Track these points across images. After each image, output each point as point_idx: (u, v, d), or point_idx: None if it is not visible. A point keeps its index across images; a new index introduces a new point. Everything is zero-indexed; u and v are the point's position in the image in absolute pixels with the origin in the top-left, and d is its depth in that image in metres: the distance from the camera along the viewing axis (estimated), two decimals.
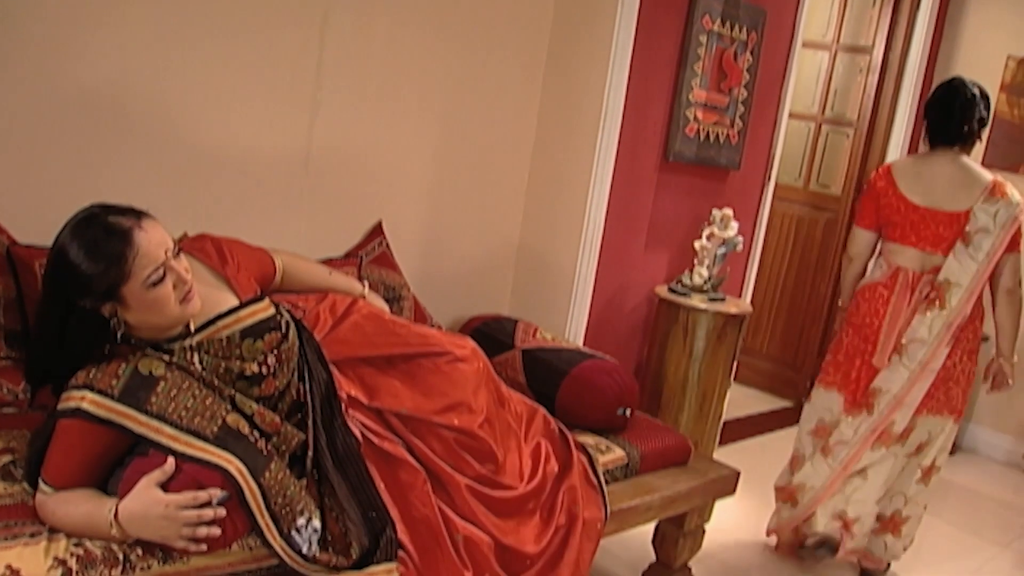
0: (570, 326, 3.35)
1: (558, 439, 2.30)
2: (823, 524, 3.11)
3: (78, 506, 1.57)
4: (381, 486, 1.85)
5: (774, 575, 3.21)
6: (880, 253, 3.11)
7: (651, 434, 2.60)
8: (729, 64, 3.55)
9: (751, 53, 3.64)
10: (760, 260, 4.20)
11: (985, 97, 2.97)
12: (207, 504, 1.57)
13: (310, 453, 1.81)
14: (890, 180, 2.99)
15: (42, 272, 1.80)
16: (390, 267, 2.90)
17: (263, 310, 1.85)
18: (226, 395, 1.72)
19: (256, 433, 1.71)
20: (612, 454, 2.43)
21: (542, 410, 2.35)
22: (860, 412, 2.99)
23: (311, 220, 2.80)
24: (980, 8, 4.81)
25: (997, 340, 3.00)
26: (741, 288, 4.08)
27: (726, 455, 3.90)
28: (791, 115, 4.37)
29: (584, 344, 3.34)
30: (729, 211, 3.48)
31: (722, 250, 3.46)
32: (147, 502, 1.54)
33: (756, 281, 4.24)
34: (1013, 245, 2.86)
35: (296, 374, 1.89)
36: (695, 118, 3.49)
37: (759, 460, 4.22)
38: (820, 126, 5.14)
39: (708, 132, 3.56)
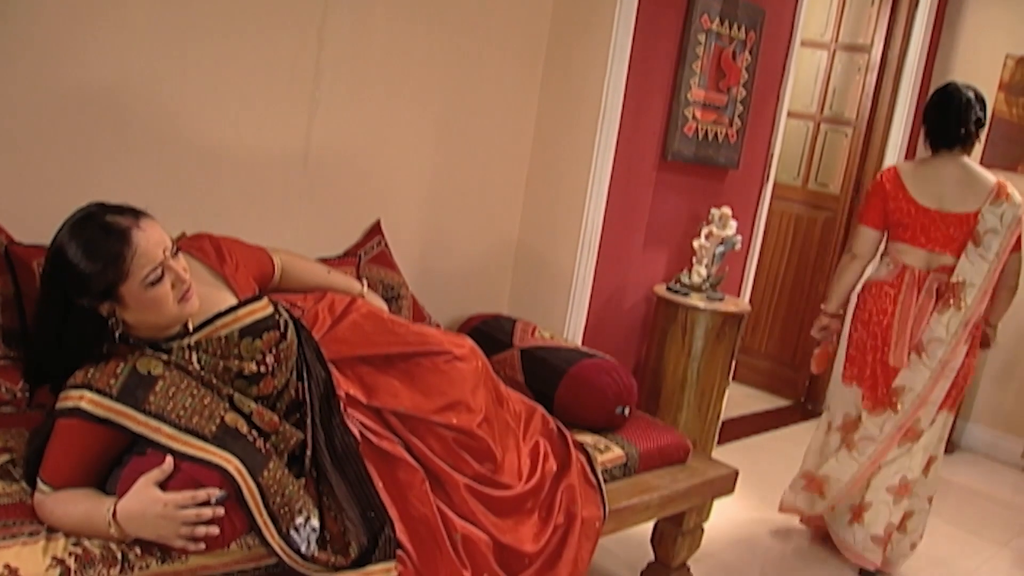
0: (569, 325, 3.35)
1: (557, 438, 2.30)
2: (842, 527, 3.23)
3: (76, 505, 1.57)
4: (380, 485, 1.85)
5: (773, 574, 3.21)
6: (885, 252, 3.19)
7: (650, 433, 2.60)
8: (728, 63, 3.55)
9: (750, 52, 3.64)
10: (759, 259, 4.20)
11: (980, 99, 3.08)
12: (205, 503, 1.57)
13: (308, 452, 1.81)
14: (899, 183, 3.09)
15: (40, 271, 1.80)
16: (389, 266, 2.90)
17: (261, 309, 1.85)
18: (224, 394, 1.72)
19: (254, 432, 1.71)
20: (611, 453, 2.43)
21: (541, 409, 2.35)
22: (884, 411, 3.09)
23: (310, 219, 2.80)
24: (979, 7, 4.81)
25: (987, 315, 3.10)
26: (740, 287, 4.08)
27: (725, 454, 3.90)
28: (790, 114, 4.37)
29: (583, 343, 3.34)
30: (728, 210, 3.48)
31: (720, 249, 3.46)
32: (145, 501, 1.54)
33: (755, 280, 4.24)
34: (1016, 245, 3.00)
35: (295, 373, 1.88)
36: (694, 117, 3.49)
37: (758, 459, 4.23)
38: (819, 125, 5.14)
39: (707, 131, 3.56)
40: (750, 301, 4.14)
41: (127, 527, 1.55)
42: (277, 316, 1.88)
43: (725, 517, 3.42)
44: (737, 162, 3.77)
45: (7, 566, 1.43)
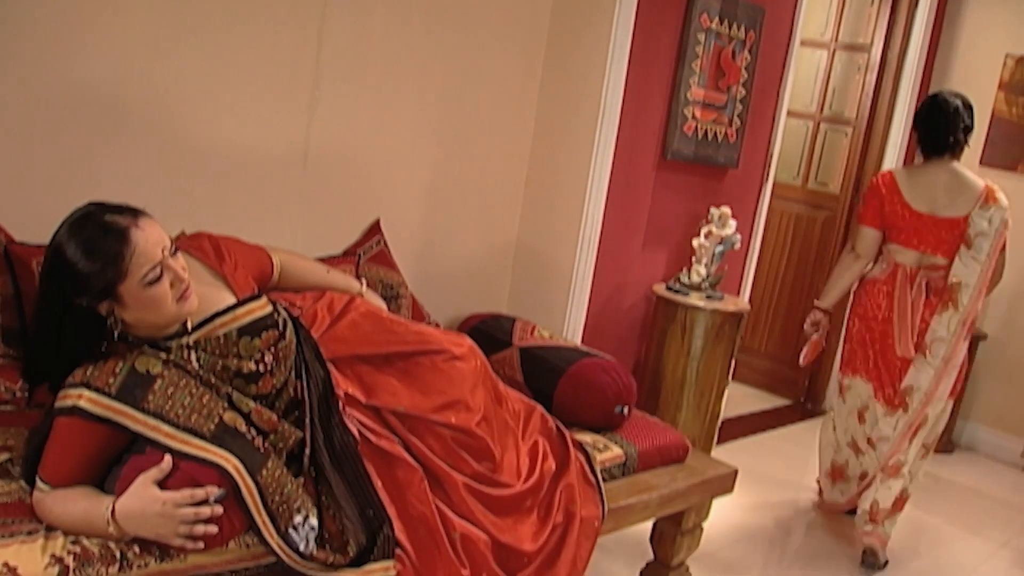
0: (568, 324, 3.35)
1: (556, 437, 2.29)
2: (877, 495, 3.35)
3: (75, 504, 1.57)
4: (378, 484, 1.85)
5: (773, 574, 3.22)
6: (879, 252, 3.37)
7: (649, 432, 2.60)
8: (727, 62, 3.55)
9: (749, 51, 3.64)
10: (759, 259, 4.21)
11: (968, 107, 3.26)
12: (204, 502, 1.57)
13: (307, 451, 1.81)
14: (894, 188, 3.27)
15: (39, 270, 1.79)
16: (388, 265, 2.90)
17: (260, 308, 1.85)
18: (223, 393, 1.72)
19: (253, 431, 1.71)
20: (610, 452, 2.43)
21: (540, 408, 2.35)
22: (896, 411, 3.27)
23: (309, 218, 2.80)
24: (979, 6, 4.81)
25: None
26: (739, 286, 4.08)
27: (725, 453, 3.91)
28: (790, 113, 4.38)
29: (582, 342, 3.34)
30: (727, 209, 3.48)
31: (720, 248, 3.46)
32: (144, 500, 1.54)
33: (755, 279, 4.24)
34: (1002, 246, 3.18)
35: (293, 372, 1.88)
36: (693, 116, 3.49)
37: (758, 458, 4.23)
38: (818, 124, 5.14)
39: (706, 130, 3.57)
40: (750, 300, 4.14)
41: (126, 526, 1.55)
42: (276, 315, 1.88)
43: (725, 516, 3.42)
44: (737, 161, 3.77)
45: (6, 564, 1.43)
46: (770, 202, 4.12)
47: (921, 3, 4.68)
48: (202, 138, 2.50)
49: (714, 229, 3.46)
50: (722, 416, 3.65)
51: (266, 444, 1.72)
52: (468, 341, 2.16)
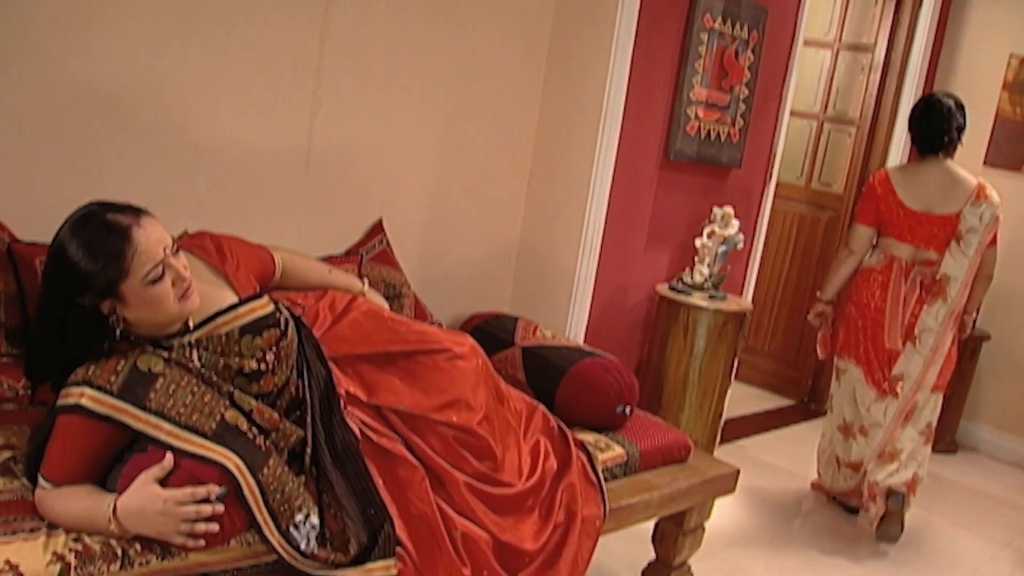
0: (571, 324, 3.35)
1: (557, 437, 2.29)
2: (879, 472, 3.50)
3: (77, 502, 1.58)
4: (379, 483, 1.85)
5: (775, 573, 3.21)
6: (875, 244, 3.51)
7: (651, 432, 2.60)
8: (730, 62, 3.55)
9: (752, 51, 3.64)
10: (762, 259, 4.21)
11: (961, 107, 3.39)
12: (205, 500, 1.57)
13: (308, 450, 1.81)
14: (888, 187, 3.41)
15: (42, 269, 1.80)
16: (391, 265, 2.91)
17: (262, 307, 1.86)
18: (225, 391, 1.73)
19: (255, 430, 1.72)
20: (611, 452, 2.43)
21: (541, 408, 2.35)
22: (886, 397, 3.44)
23: (312, 217, 2.80)
24: (983, 7, 4.80)
25: (967, 305, 3.43)
26: (742, 286, 4.08)
27: (727, 453, 3.91)
28: (793, 113, 4.37)
29: (585, 342, 3.34)
30: (730, 209, 3.48)
31: (723, 248, 3.46)
32: (145, 498, 1.54)
33: (758, 280, 4.24)
34: (993, 240, 3.34)
35: (295, 371, 1.89)
36: (696, 116, 3.49)
37: (761, 458, 4.22)
38: (822, 124, 5.14)
39: (709, 130, 3.56)
40: (753, 301, 4.14)
41: (127, 523, 1.55)
42: (277, 314, 1.88)
43: (727, 516, 3.42)
44: (740, 161, 3.77)
45: (8, 562, 1.44)
46: (774, 202, 4.12)
47: (925, 3, 4.67)
48: (205, 137, 2.50)
49: (717, 229, 3.46)
50: (725, 416, 3.65)
51: (267, 443, 1.73)
52: (469, 340, 2.16)
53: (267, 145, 2.65)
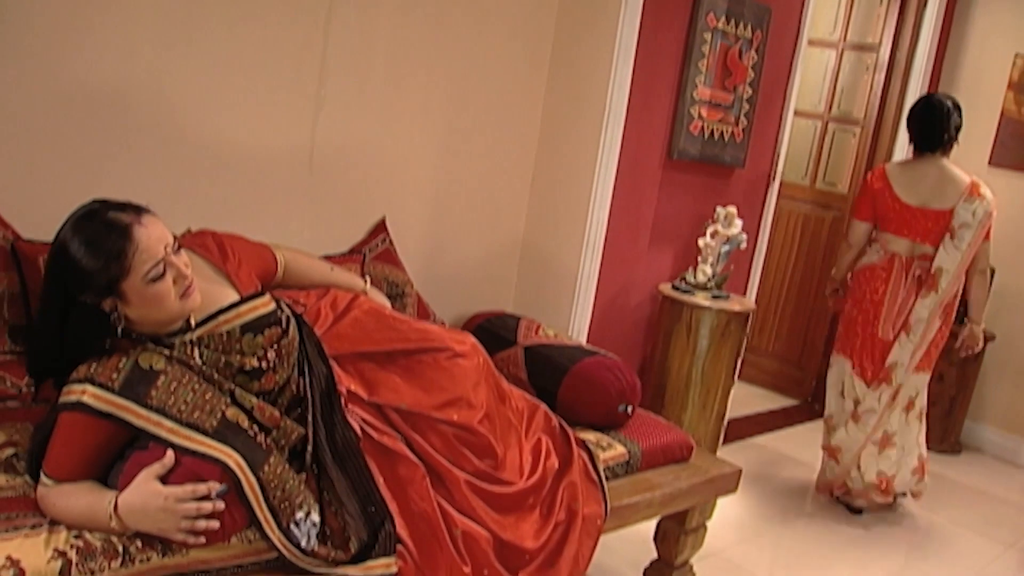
0: (574, 323, 3.35)
1: (559, 435, 2.29)
2: (860, 481, 3.64)
3: (78, 499, 1.58)
4: (380, 481, 1.85)
5: (776, 573, 3.21)
6: (875, 240, 3.63)
7: (652, 431, 2.60)
8: (734, 62, 3.55)
9: (756, 51, 3.64)
10: (767, 259, 4.20)
11: (958, 108, 3.52)
12: (206, 497, 1.58)
13: (309, 447, 1.81)
14: (886, 183, 3.55)
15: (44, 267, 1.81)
16: (394, 264, 2.91)
17: (263, 305, 1.86)
18: (226, 389, 1.73)
19: (255, 427, 1.72)
20: (613, 451, 2.43)
21: (543, 406, 2.36)
22: (880, 385, 3.57)
23: (315, 216, 2.81)
24: (988, 6, 4.78)
25: (970, 311, 3.65)
26: (746, 286, 4.07)
27: (731, 453, 3.91)
28: (798, 113, 4.37)
29: (588, 341, 3.34)
30: (733, 208, 3.48)
31: (726, 248, 3.46)
32: (146, 495, 1.55)
33: (762, 280, 4.24)
34: (986, 235, 3.45)
35: (296, 369, 1.89)
36: (699, 116, 3.49)
37: (764, 458, 4.22)
38: (827, 124, 5.13)
39: (713, 130, 3.56)
40: (757, 300, 4.14)
41: (128, 520, 1.56)
42: (279, 312, 1.88)
43: (730, 516, 3.42)
44: (743, 161, 3.77)
45: (9, 558, 1.44)
46: (778, 202, 4.12)
47: (930, 3, 4.65)
48: (207, 136, 2.51)
49: (720, 228, 3.46)
50: (728, 416, 3.65)
51: (268, 440, 1.73)
52: (471, 339, 2.16)
53: (270, 144, 2.65)
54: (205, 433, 1.63)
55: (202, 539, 1.60)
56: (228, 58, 2.49)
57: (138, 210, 1.64)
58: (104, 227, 1.59)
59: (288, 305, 1.96)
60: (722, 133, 3.61)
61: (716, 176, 3.73)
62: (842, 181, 5.07)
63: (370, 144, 2.88)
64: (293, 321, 1.92)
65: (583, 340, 3.34)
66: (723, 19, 3.44)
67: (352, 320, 2.11)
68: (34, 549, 1.49)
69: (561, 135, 3.32)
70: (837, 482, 3.73)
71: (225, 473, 1.61)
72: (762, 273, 4.19)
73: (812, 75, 4.99)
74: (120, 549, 1.55)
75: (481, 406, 2.03)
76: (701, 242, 3.50)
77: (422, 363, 2.03)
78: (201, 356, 1.75)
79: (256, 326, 1.82)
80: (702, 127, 3.52)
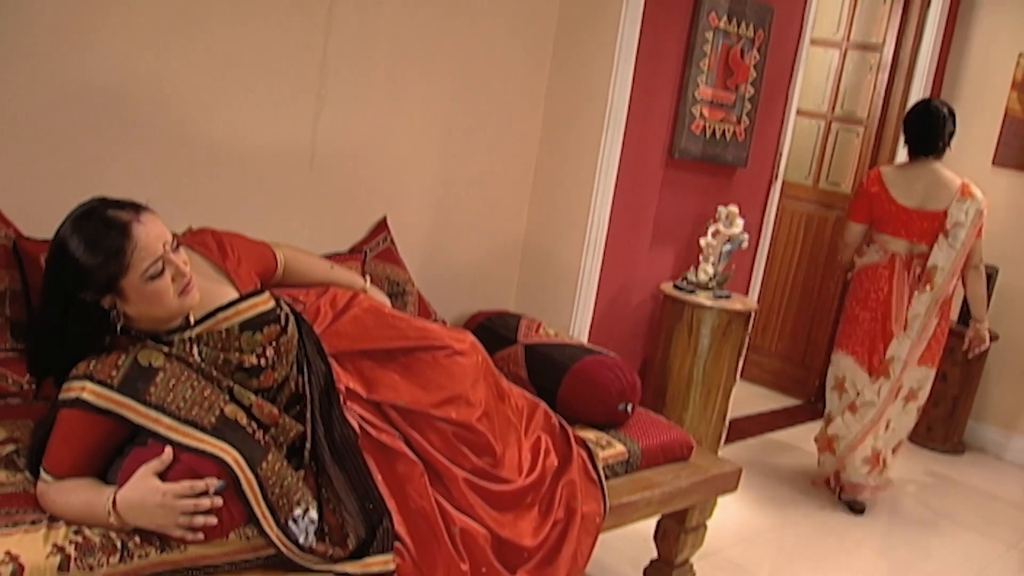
0: (575, 322, 3.36)
1: (558, 433, 2.30)
2: (854, 471, 3.73)
3: (78, 495, 1.59)
4: (378, 478, 1.86)
5: (777, 573, 3.21)
6: (873, 240, 3.73)
7: (652, 430, 2.60)
8: (736, 61, 3.55)
9: (758, 50, 3.63)
10: (769, 258, 4.20)
11: (952, 114, 3.65)
12: (204, 493, 1.58)
13: (308, 444, 1.82)
14: (882, 186, 3.65)
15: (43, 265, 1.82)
16: (395, 262, 2.92)
17: (262, 303, 1.87)
18: (224, 386, 1.74)
19: (254, 424, 1.73)
20: (613, 449, 2.44)
21: (543, 405, 2.36)
22: (879, 378, 3.68)
23: (316, 215, 2.82)
24: (991, 6, 4.77)
25: (972, 308, 3.79)
26: (748, 286, 4.07)
27: (733, 452, 3.91)
28: (801, 113, 4.37)
29: (589, 340, 3.34)
30: (735, 208, 3.48)
31: (727, 247, 3.46)
32: (144, 491, 1.56)
33: (765, 279, 4.24)
34: (979, 233, 3.56)
35: (295, 366, 1.90)
36: (701, 115, 3.49)
37: (766, 458, 4.22)
38: (830, 124, 5.12)
39: (714, 129, 3.56)
40: (760, 300, 4.13)
41: (126, 516, 1.56)
42: (278, 310, 1.89)
43: (731, 515, 3.42)
44: (745, 160, 3.77)
45: (8, 553, 1.45)
46: (781, 202, 4.12)
47: (934, 2, 4.65)
48: (208, 135, 2.52)
49: (721, 228, 3.46)
50: (730, 415, 3.64)
51: (267, 437, 1.74)
52: (470, 337, 2.17)
53: (271, 143, 2.66)
54: (204, 430, 1.64)
55: (200, 535, 1.60)
56: (229, 56, 2.50)
57: (137, 208, 1.65)
58: (103, 225, 1.60)
59: (287, 303, 1.97)
60: (724, 132, 3.61)
61: (718, 175, 3.73)
62: (845, 181, 5.06)
63: (371, 143, 2.89)
64: (292, 319, 1.93)
65: (584, 339, 3.34)
66: (725, 18, 3.44)
67: (351, 318, 2.12)
68: (33, 544, 1.50)
69: (562, 134, 3.32)
70: (832, 472, 3.82)
71: (223, 470, 1.62)
72: (765, 273, 4.19)
73: (815, 75, 4.99)
74: (118, 545, 1.56)
75: (480, 404, 2.03)
76: (703, 241, 3.50)
77: (421, 361, 2.04)
78: (200, 353, 1.76)
79: (255, 323, 1.83)
80: (704, 126, 3.52)
